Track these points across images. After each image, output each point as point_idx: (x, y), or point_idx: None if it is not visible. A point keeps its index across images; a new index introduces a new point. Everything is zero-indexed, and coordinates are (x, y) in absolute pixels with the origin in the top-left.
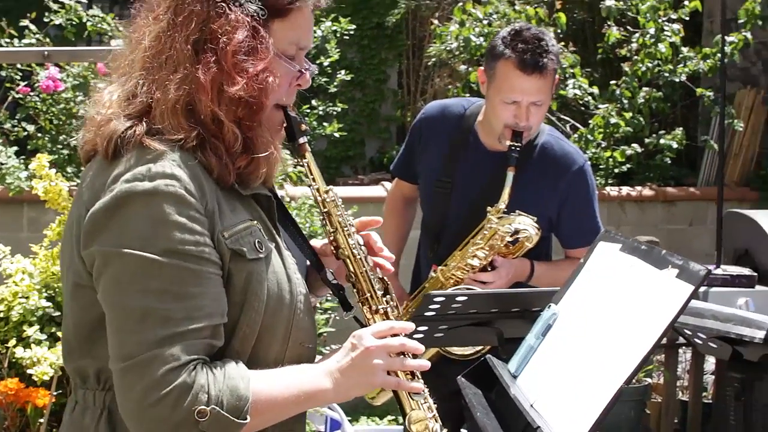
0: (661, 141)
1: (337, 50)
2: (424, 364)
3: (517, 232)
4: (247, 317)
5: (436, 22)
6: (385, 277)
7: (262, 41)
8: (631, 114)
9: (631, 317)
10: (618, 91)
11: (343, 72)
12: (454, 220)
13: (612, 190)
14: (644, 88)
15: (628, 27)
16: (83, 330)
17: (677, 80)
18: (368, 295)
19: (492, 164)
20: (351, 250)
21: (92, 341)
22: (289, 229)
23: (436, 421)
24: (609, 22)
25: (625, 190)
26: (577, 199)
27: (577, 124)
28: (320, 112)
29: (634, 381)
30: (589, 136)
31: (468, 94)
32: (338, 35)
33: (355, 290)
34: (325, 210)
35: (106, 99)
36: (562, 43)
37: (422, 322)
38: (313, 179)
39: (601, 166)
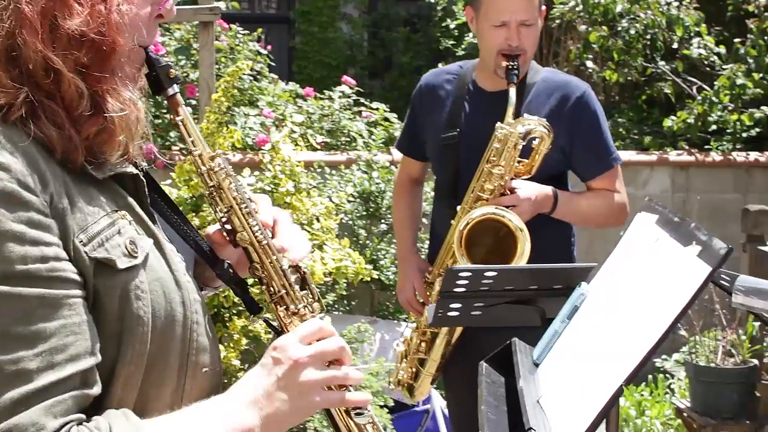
0: None
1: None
2: (361, 376)
3: (528, 133)
4: (130, 350)
5: None
6: (302, 266)
7: None
8: (760, 75)
9: (647, 301)
10: (743, 50)
11: (470, 35)
12: (466, 171)
13: (739, 156)
14: None
15: None
16: None
17: None
18: (283, 291)
19: (495, 105)
20: (253, 234)
21: None
22: (166, 213)
23: None
24: None
25: (754, 155)
26: (587, 126)
27: (704, 86)
28: None
29: (738, 362)
30: (714, 98)
31: (590, 56)
32: None
33: (263, 286)
34: (213, 183)
35: None
36: (687, 0)
37: (454, 299)
38: (193, 142)
39: (727, 130)
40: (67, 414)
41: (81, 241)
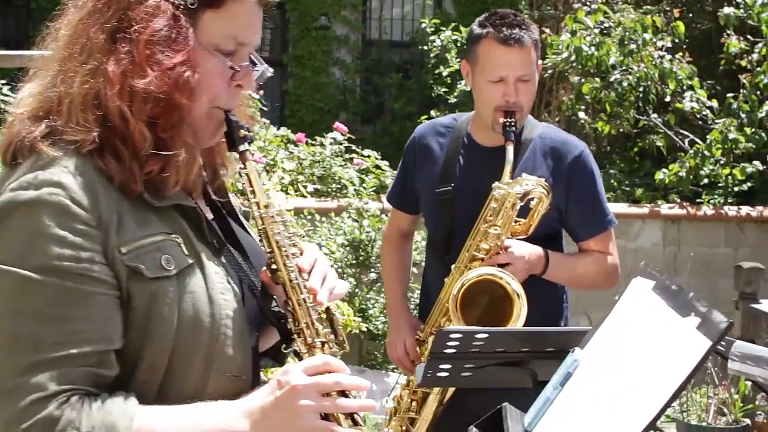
0: None
1: (458, 60)
2: (367, 404)
3: (526, 194)
4: (153, 344)
5: (547, 31)
6: (331, 309)
7: (181, 31)
8: (752, 129)
9: (645, 372)
10: (736, 105)
11: (463, 82)
12: (461, 226)
13: (730, 210)
14: (767, 102)
15: (749, 36)
16: None
17: None
18: (303, 325)
19: (491, 160)
20: (288, 274)
21: None
22: (236, 248)
23: None
24: (729, 31)
25: (745, 210)
26: (583, 186)
27: (696, 139)
28: None
29: (731, 421)
30: (706, 152)
31: (582, 106)
32: (459, 45)
33: (291, 320)
34: (262, 227)
35: (24, 96)
36: (680, 54)
37: (444, 360)
38: (253, 192)
39: (719, 184)
40: (71, 384)
41: (120, 251)
